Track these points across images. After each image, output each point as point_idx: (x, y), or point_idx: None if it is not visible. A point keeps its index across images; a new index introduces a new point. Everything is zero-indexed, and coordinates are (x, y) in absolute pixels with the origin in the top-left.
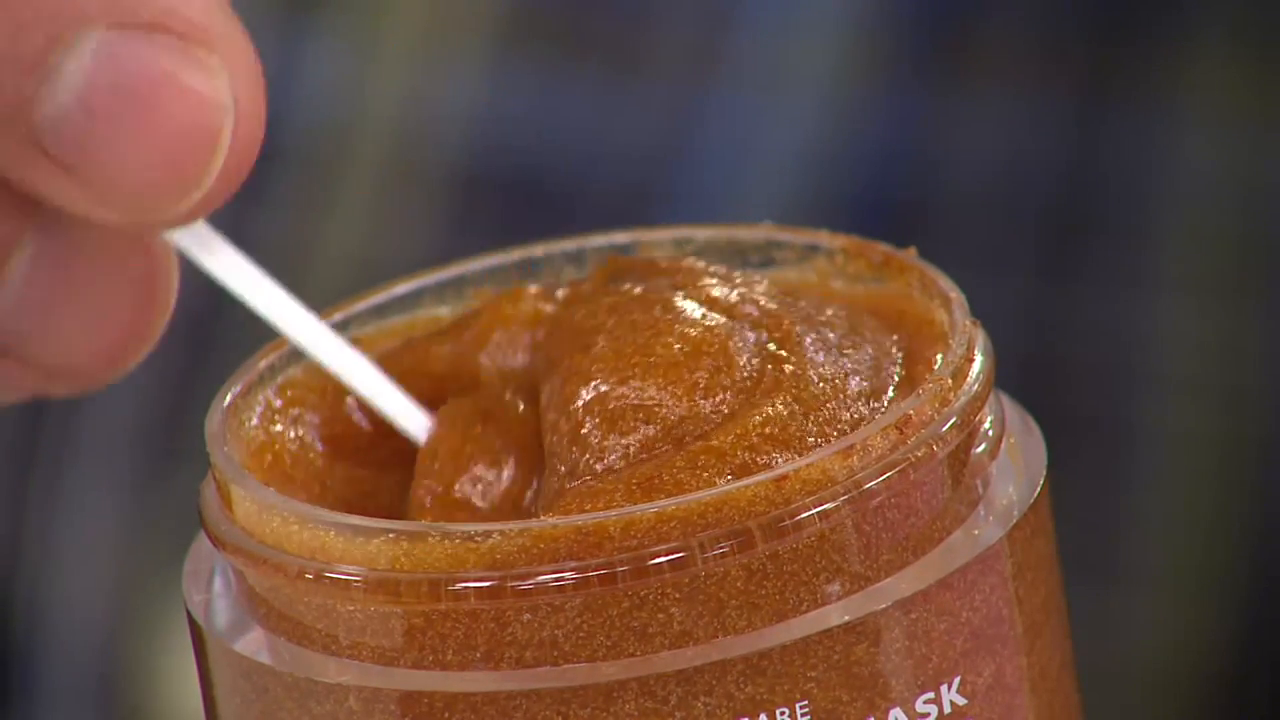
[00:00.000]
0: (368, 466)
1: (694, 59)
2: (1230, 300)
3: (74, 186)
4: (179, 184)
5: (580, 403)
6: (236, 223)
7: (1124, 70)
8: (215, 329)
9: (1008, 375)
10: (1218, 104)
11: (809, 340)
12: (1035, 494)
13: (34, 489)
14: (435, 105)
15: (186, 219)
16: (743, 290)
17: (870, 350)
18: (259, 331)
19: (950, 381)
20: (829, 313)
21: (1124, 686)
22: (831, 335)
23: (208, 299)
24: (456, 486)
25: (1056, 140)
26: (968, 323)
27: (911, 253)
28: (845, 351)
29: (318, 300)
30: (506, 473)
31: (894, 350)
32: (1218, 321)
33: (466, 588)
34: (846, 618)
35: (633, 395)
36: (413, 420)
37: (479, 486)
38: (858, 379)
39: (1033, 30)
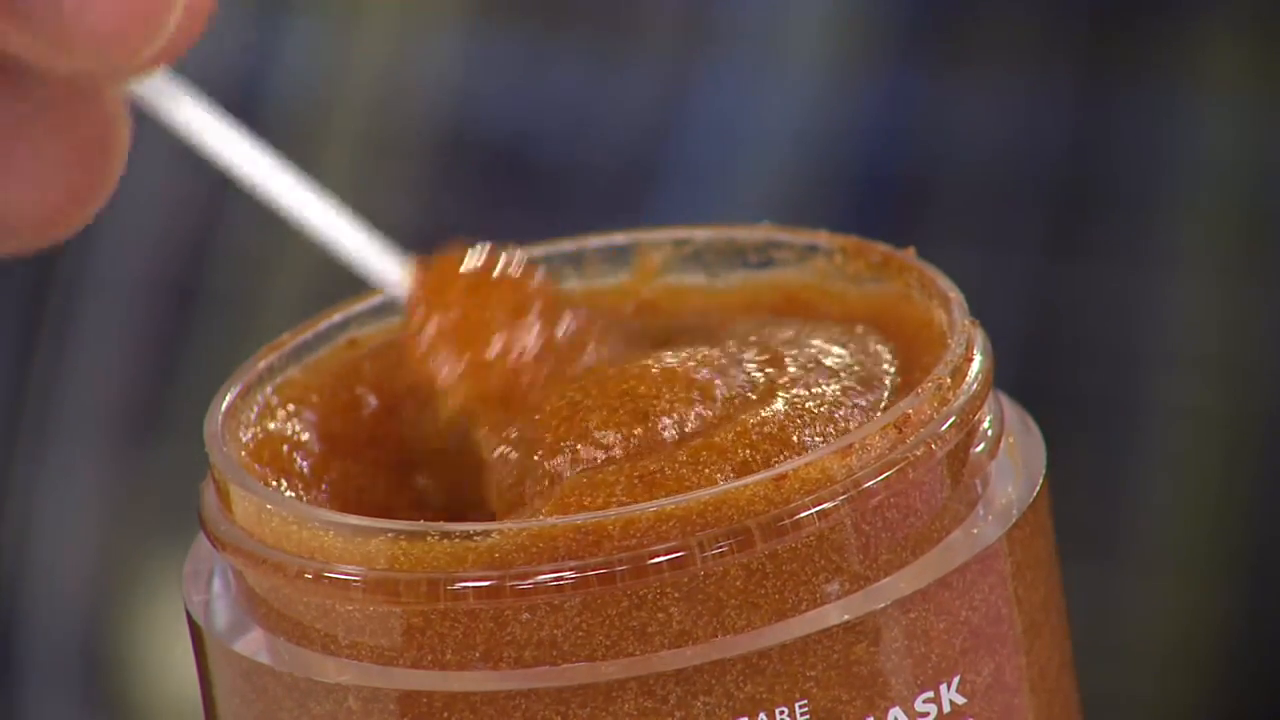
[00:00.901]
0: (366, 465)
1: (685, 29)
2: (1238, 277)
3: (34, 33)
4: (142, 28)
5: (577, 395)
6: (218, 199)
7: (1129, 45)
8: (198, 302)
9: (1013, 353)
10: (1224, 80)
11: (796, 357)
12: (1034, 493)
13: (16, 466)
14: (416, 78)
15: (148, 67)
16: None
17: (861, 359)
18: (243, 306)
19: (949, 381)
20: (814, 339)
21: (1130, 664)
22: (818, 353)
23: (189, 271)
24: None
25: (1060, 116)
26: (966, 322)
27: (910, 252)
28: (833, 364)
29: (298, 278)
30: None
31: (888, 355)
32: (1225, 299)
33: (465, 587)
34: (846, 617)
35: (632, 390)
36: (389, 271)
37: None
38: (850, 382)
39: (1036, 4)
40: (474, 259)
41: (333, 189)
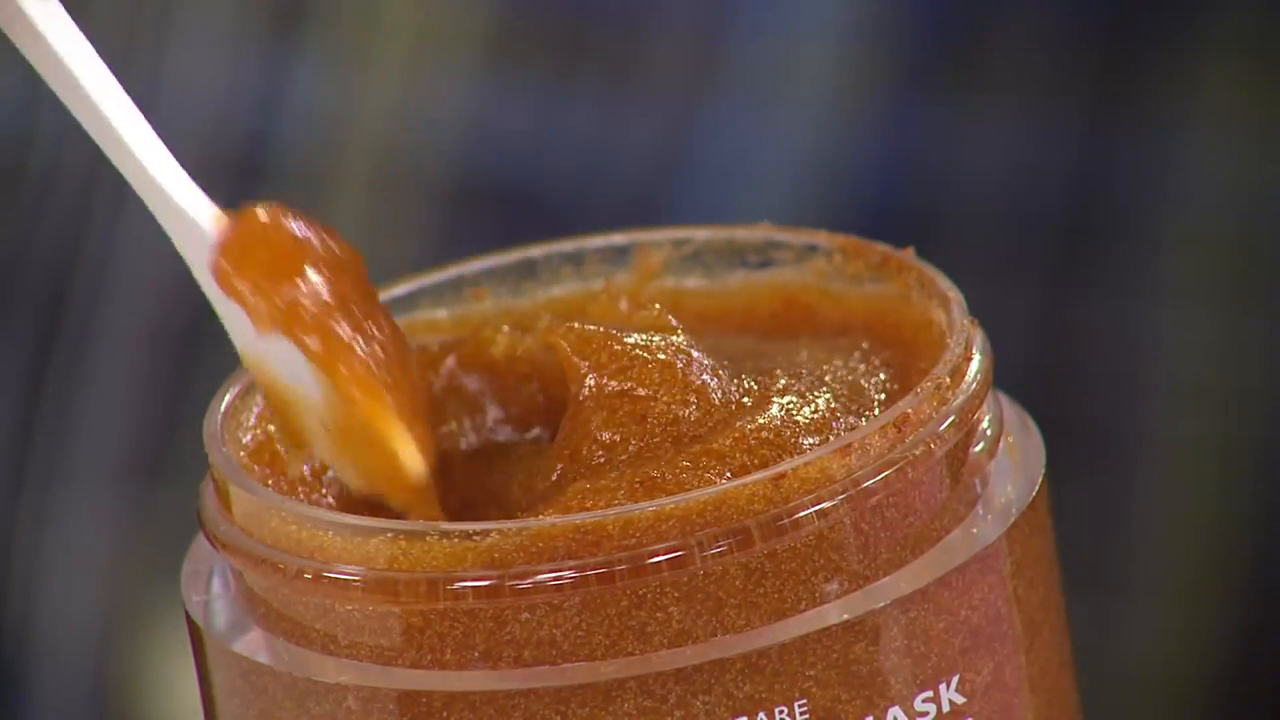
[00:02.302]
0: None
1: (692, 69)
2: (1236, 308)
3: None
4: None
5: (582, 397)
6: None
7: (1131, 79)
8: (203, 348)
9: (1013, 382)
10: (1225, 113)
11: (793, 366)
12: (1034, 493)
13: (24, 505)
14: (427, 120)
15: None
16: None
17: (858, 369)
18: None
19: (948, 380)
20: (801, 354)
21: (1126, 692)
22: (814, 363)
23: (194, 319)
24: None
25: (1061, 149)
26: (966, 322)
27: (909, 252)
28: (829, 374)
29: None
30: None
31: (884, 365)
32: (1224, 329)
33: (465, 587)
34: (845, 616)
35: (634, 395)
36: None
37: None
38: (846, 390)
39: (1038, 39)
40: (273, 215)
41: (344, 232)
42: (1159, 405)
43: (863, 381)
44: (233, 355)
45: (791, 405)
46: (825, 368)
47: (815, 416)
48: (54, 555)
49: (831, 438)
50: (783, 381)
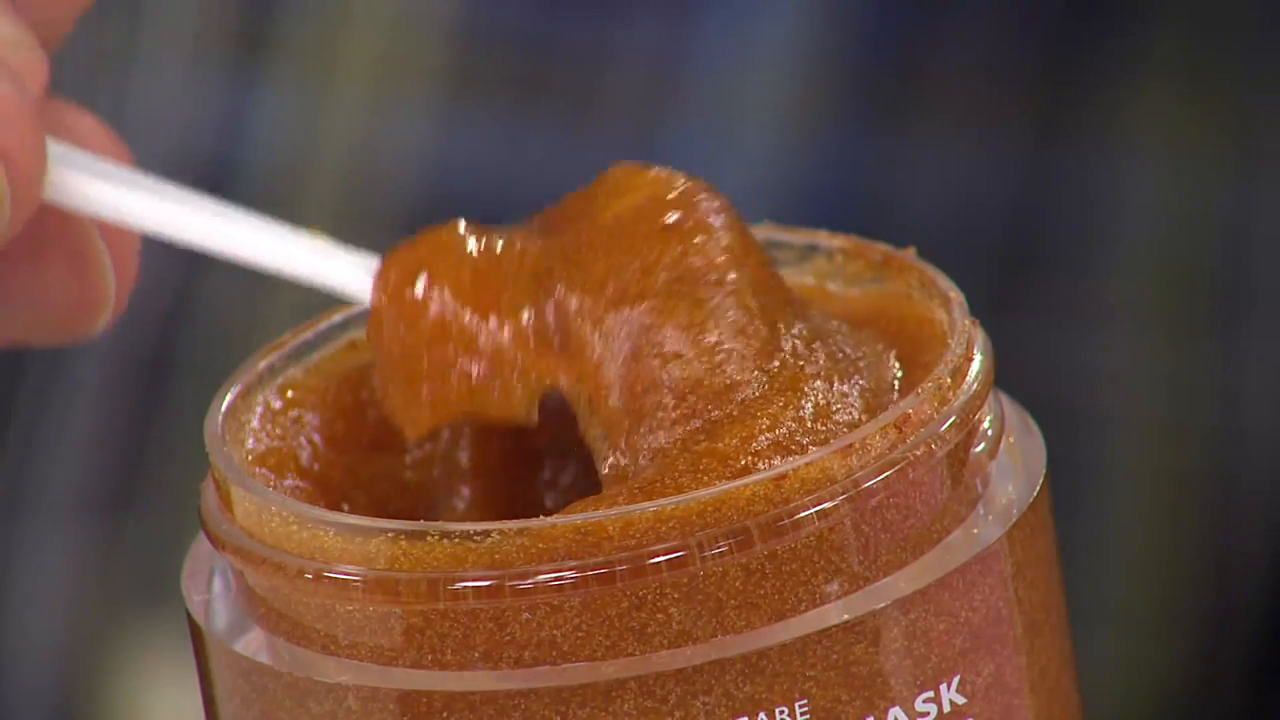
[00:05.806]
0: (368, 465)
1: (647, 101)
2: (1182, 336)
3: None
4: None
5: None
6: (190, 270)
7: (1073, 107)
8: (171, 374)
9: None
10: (1166, 140)
11: (823, 351)
12: (1034, 493)
13: None
14: (388, 151)
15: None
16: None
17: (874, 364)
18: (216, 378)
19: (949, 380)
20: (835, 325)
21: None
22: (842, 348)
23: (162, 344)
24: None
25: (1007, 177)
26: (967, 322)
27: (911, 252)
28: (854, 363)
29: None
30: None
31: (893, 363)
32: (1169, 357)
33: (465, 587)
34: (845, 617)
35: (671, 390)
36: (357, 275)
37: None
38: (861, 391)
39: (983, 67)
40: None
41: None
42: (1108, 434)
43: (881, 373)
44: (198, 386)
45: (792, 406)
46: (848, 352)
47: (828, 424)
48: (20, 585)
49: (832, 438)
50: (821, 360)
